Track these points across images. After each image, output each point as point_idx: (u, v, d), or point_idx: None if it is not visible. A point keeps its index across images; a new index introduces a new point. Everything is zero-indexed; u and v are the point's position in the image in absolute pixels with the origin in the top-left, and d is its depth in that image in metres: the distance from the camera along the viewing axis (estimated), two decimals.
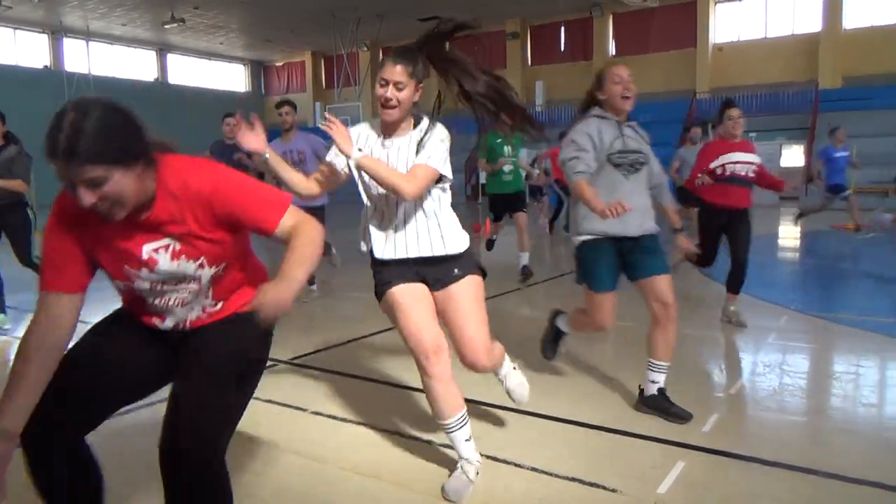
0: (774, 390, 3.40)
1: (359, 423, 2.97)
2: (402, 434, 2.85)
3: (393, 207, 2.33)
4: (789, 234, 11.83)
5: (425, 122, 2.34)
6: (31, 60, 24.70)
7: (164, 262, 1.65)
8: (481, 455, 2.60)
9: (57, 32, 24.87)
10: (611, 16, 24.39)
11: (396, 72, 2.24)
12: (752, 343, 4.35)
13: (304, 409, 3.15)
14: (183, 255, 1.66)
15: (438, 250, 2.32)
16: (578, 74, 24.87)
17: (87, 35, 24.87)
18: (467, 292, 2.35)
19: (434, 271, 2.35)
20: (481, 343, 2.38)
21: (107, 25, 24.49)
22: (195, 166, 1.64)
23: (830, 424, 3.02)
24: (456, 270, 2.35)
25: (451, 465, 2.54)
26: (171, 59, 28.82)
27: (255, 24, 24.43)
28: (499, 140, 6.54)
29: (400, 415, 3.07)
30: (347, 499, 2.31)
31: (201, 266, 1.69)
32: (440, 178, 2.32)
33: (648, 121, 20.35)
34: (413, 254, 2.32)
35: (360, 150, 2.21)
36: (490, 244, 7.18)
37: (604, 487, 2.34)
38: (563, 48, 25.79)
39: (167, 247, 1.64)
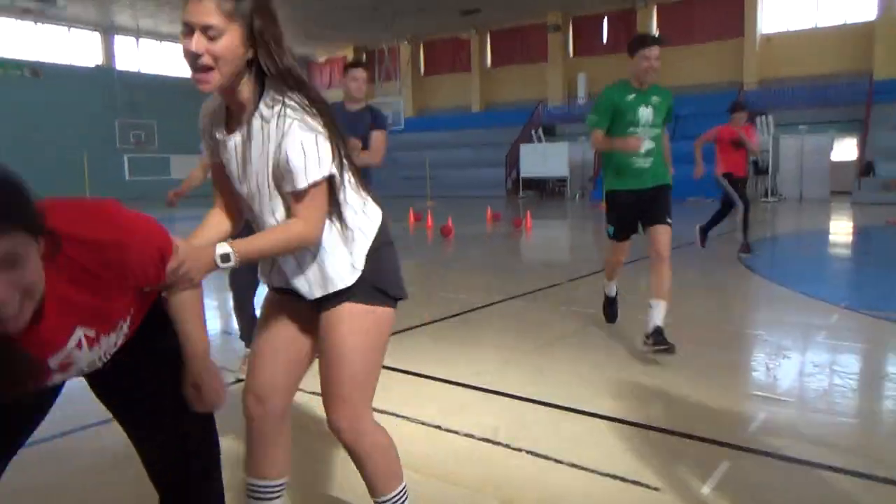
0: (824, 391, 3.31)
1: (400, 416, 3.00)
2: (441, 427, 2.86)
3: (260, 224, 1.67)
4: (841, 230, 11.48)
5: (268, 95, 1.53)
6: (84, 59, 25.50)
7: (83, 358, 1.31)
8: (523, 450, 2.60)
9: (108, 31, 25.63)
10: (655, 6, 23.97)
11: (203, 9, 1.40)
12: (802, 342, 4.24)
13: None
14: (101, 336, 1.31)
15: (318, 290, 1.67)
16: (622, 66, 24.57)
17: (137, 33, 25.56)
18: (339, 325, 1.66)
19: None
20: (340, 392, 1.67)
21: (155, 24, 25.11)
22: (88, 217, 1.22)
23: (883, 428, 2.93)
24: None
25: (493, 459, 2.55)
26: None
27: (297, 19, 24.74)
28: (630, 97, 3.76)
29: (440, 408, 3.09)
30: None
31: (120, 328, 1.35)
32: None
33: (693, 113, 19.98)
34: (288, 286, 1.71)
35: (224, 253, 1.46)
36: (611, 306, 4.55)
37: (646, 486, 2.31)
38: (605, 40, 25.45)
39: (79, 343, 1.27)
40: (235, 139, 1.58)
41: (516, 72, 27.39)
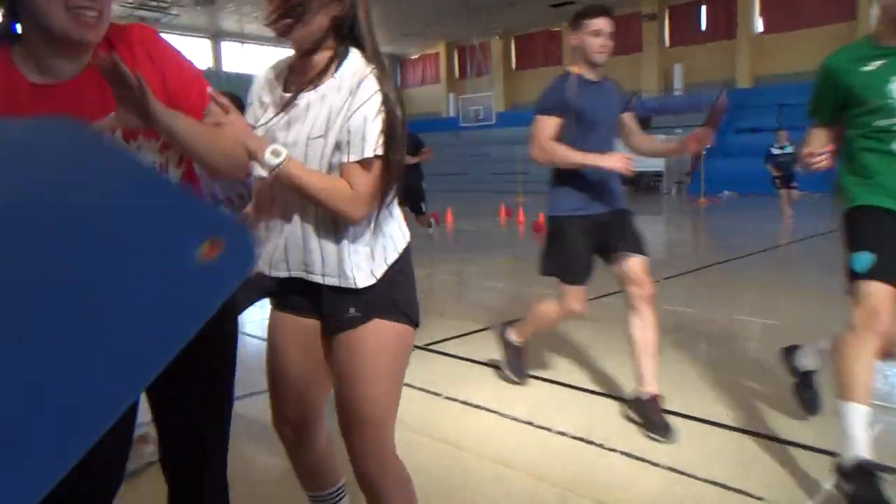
0: None
1: (492, 412, 3.02)
2: (534, 424, 2.86)
3: (277, 203, 1.53)
4: None
5: (355, 58, 1.44)
6: (197, 63, 27.12)
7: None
8: (617, 450, 2.56)
9: (216, 36, 27.12)
10: None
11: None
12: None
13: (438, 395, 3.25)
14: (140, 135, 1.30)
15: (330, 279, 1.50)
16: (721, 55, 23.49)
17: (242, 38, 26.90)
18: (361, 347, 1.51)
19: (326, 305, 1.54)
20: (366, 415, 1.51)
21: (259, 28, 26.24)
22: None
23: None
24: (352, 310, 1.51)
25: (585, 458, 2.53)
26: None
27: (393, 18, 25.21)
28: (870, 65, 2.20)
29: (532, 405, 3.09)
30: (483, 486, 2.36)
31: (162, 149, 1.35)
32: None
33: (801, 102, 18.94)
34: (298, 274, 1.53)
35: (276, 149, 1.38)
36: (807, 387, 2.84)
37: (748, 494, 2.23)
38: (703, 27, 24.44)
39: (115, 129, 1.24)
40: (307, 97, 1.45)
41: (610, 64, 26.66)
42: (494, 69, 27.56)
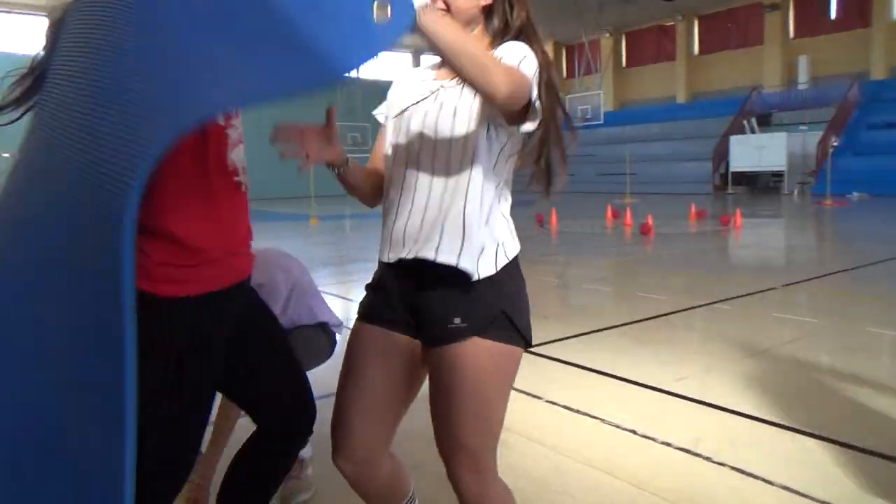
0: None
1: (594, 417, 2.98)
2: (637, 433, 2.79)
3: (412, 180, 1.39)
4: None
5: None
6: None
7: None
8: (726, 465, 2.46)
9: None
10: None
11: None
12: None
13: (539, 398, 3.23)
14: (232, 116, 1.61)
15: (445, 256, 1.35)
16: (852, 45, 21.84)
17: None
18: (463, 368, 1.37)
19: (429, 311, 1.40)
20: (465, 442, 1.40)
21: None
22: None
23: None
24: (457, 320, 1.36)
25: (692, 471, 2.44)
26: (423, 59, 31.16)
27: None
28: None
29: (636, 412, 3.01)
30: (583, 492, 2.34)
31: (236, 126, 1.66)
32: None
33: None
34: (411, 252, 1.38)
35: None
36: None
37: None
38: (833, 16, 22.82)
39: None
40: (453, 83, 1.39)
41: (726, 58, 25.52)
42: (604, 67, 26.97)
